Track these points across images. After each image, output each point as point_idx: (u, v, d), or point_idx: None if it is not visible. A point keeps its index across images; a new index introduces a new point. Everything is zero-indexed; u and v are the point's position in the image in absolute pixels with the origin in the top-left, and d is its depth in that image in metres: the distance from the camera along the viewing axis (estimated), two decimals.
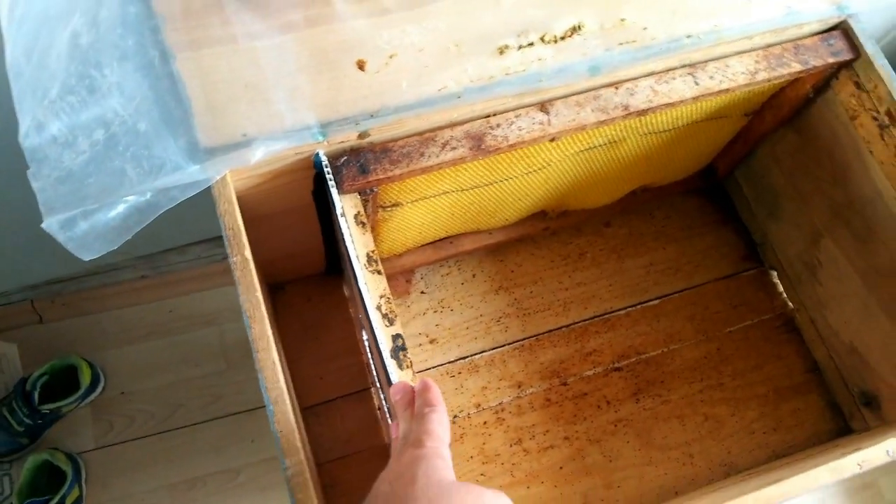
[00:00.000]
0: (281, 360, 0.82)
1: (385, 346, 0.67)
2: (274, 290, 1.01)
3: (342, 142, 0.71)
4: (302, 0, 0.59)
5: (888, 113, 0.81)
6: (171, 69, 0.58)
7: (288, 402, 0.63)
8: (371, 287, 0.69)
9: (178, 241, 1.21)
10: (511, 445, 0.97)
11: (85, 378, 1.21)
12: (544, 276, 1.06)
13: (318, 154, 0.70)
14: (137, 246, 1.19)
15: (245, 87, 0.63)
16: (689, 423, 1.00)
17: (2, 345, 1.25)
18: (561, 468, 0.96)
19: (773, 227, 1.06)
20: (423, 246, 1.01)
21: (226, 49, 0.60)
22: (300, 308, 1.00)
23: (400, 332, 0.68)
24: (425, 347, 1.01)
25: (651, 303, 1.06)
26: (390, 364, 0.66)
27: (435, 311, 1.03)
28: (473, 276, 1.05)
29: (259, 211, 0.79)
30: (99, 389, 1.25)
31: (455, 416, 0.97)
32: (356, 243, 0.70)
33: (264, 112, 0.65)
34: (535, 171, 0.88)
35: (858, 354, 0.97)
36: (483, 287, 1.05)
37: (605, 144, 0.88)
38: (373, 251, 0.70)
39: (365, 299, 0.68)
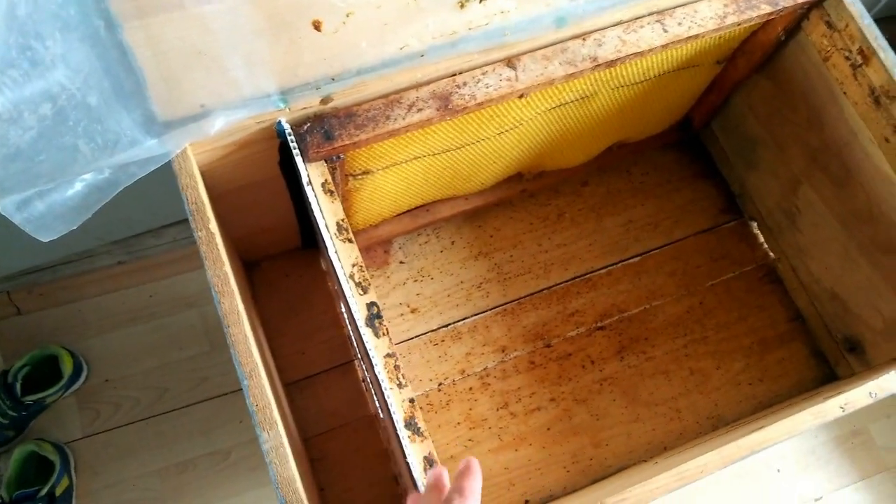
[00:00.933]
0: (259, 336, 0.81)
1: (360, 314, 0.66)
2: (250, 267, 1.00)
3: (305, 108, 0.69)
4: None
5: (860, 51, 0.80)
6: (118, 39, 0.56)
7: (263, 375, 0.62)
8: (343, 256, 0.68)
9: (151, 224, 1.19)
10: (497, 410, 0.96)
11: (67, 367, 1.19)
12: (523, 239, 1.05)
13: (280, 122, 0.69)
14: (111, 231, 1.17)
15: (198, 55, 0.61)
16: (675, 378, 1.00)
17: None
18: (548, 429, 0.96)
19: (751, 176, 1.05)
20: (399, 215, 1.00)
21: (174, 15, 0.57)
22: (278, 284, 0.99)
23: (375, 300, 0.67)
24: (407, 317, 1.00)
25: (632, 260, 1.05)
26: (366, 333, 0.65)
27: (415, 281, 1.02)
28: (452, 243, 1.04)
29: (226, 185, 0.78)
30: (82, 378, 1.23)
31: (440, 384, 0.97)
32: (325, 212, 0.69)
33: (221, 80, 0.63)
34: (506, 130, 0.86)
35: (840, 300, 0.96)
36: (462, 254, 1.04)
37: (577, 100, 0.87)
38: (342, 220, 0.69)
39: (336, 269, 0.66)
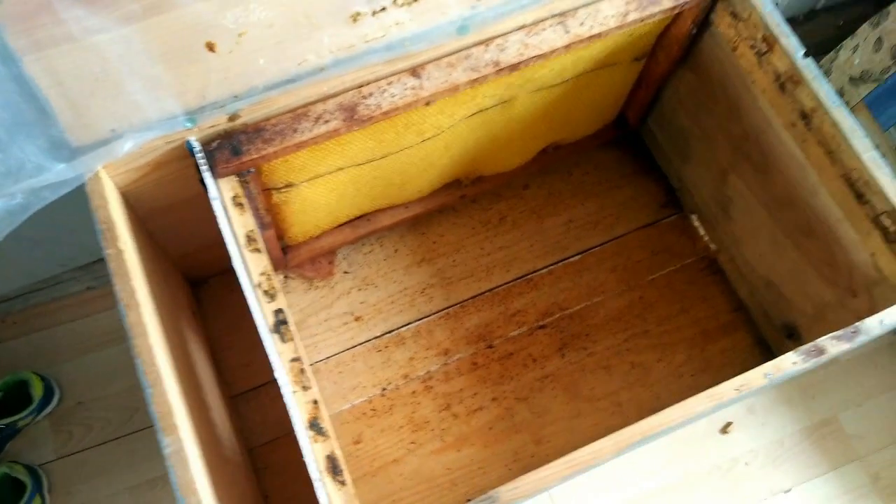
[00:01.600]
0: (195, 350, 0.84)
1: (267, 321, 0.68)
2: (196, 284, 1.03)
3: (213, 126, 0.72)
4: None
5: (764, 39, 0.82)
6: (15, 73, 0.59)
7: (169, 384, 0.65)
8: (252, 265, 0.70)
9: None
10: (440, 411, 0.98)
11: (37, 391, 1.23)
12: (466, 243, 1.07)
13: (188, 141, 0.72)
14: (73, 257, 1.21)
15: (98, 82, 0.64)
16: (616, 373, 1.01)
17: None
18: (490, 428, 0.98)
19: (687, 169, 1.06)
20: (339, 226, 1.02)
21: (68, 47, 0.60)
22: (224, 300, 1.02)
23: (282, 307, 0.69)
24: (351, 326, 1.02)
25: (572, 259, 1.07)
26: (271, 340, 0.68)
27: (359, 290, 1.04)
28: (396, 251, 1.07)
29: (152, 204, 0.81)
30: (54, 402, 1.27)
31: (383, 389, 0.99)
32: (234, 224, 0.72)
33: (123, 105, 0.66)
34: (429, 138, 0.89)
35: (775, 287, 0.97)
36: (406, 261, 1.06)
37: (497, 105, 0.89)
38: (252, 231, 0.72)
39: (242, 278, 0.69)
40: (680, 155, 1.07)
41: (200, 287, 1.03)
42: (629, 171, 1.13)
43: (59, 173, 0.66)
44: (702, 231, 1.09)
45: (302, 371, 0.66)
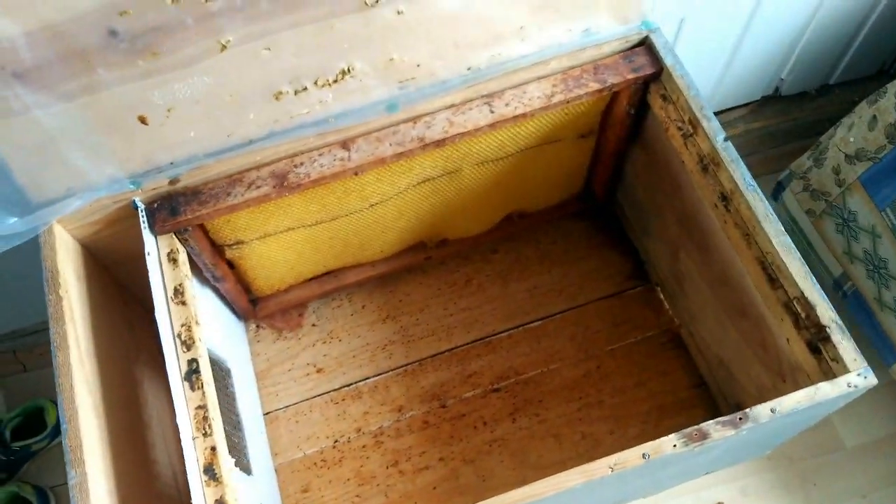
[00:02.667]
0: (138, 394, 0.91)
1: (180, 369, 0.74)
2: None
3: (155, 189, 0.80)
4: (71, 71, 0.69)
5: (690, 122, 0.83)
6: None
7: (85, 421, 0.72)
8: (175, 316, 0.77)
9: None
10: (388, 467, 1.01)
11: (51, 418, 1.34)
12: (431, 303, 1.11)
13: (133, 200, 0.80)
14: None
15: (42, 150, 0.73)
16: (566, 442, 1.01)
17: None
18: (434, 488, 0.99)
19: (649, 243, 1.07)
20: (306, 281, 1.08)
21: (14, 120, 0.70)
22: None
23: (196, 357, 0.75)
24: (312, 377, 1.07)
25: (533, 324, 1.09)
26: (181, 387, 0.74)
27: (324, 342, 1.09)
28: (363, 306, 1.12)
29: (114, 256, 0.90)
30: None
31: (336, 441, 1.03)
32: (166, 277, 0.79)
33: (68, 170, 0.76)
34: (377, 204, 0.94)
35: (725, 366, 0.96)
36: (371, 317, 1.11)
37: (443, 175, 0.94)
38: (180, 284, 0.79)
39: (162, 326, 0.76)
40: (642, 228, 1.07)
41: None
42: (597, 241, 1.14)
43: (11, 226, 0.76)
44: (667, 304, 1.08)
45: (205, 419, 0.72)
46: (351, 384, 1.06)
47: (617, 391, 1.03)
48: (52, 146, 0.73)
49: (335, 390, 1.06)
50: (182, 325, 0.77)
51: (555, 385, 1.04)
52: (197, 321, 0.78)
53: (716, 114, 1.37)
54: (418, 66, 0.79)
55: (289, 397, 1.06)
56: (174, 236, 0.81)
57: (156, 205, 0.80)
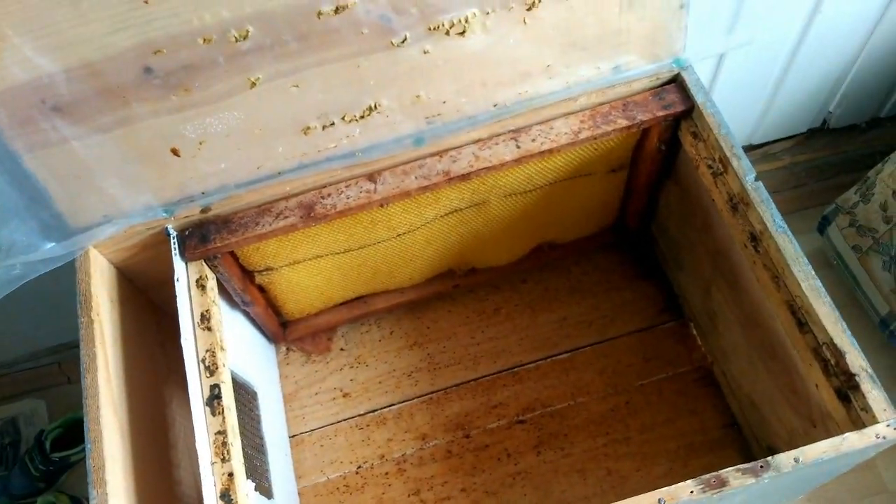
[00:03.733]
0: (165, 415, 0.93)
1: (202, 394, 0.76)
2: None
3: (188, 216, 0.83)
4: (107, 105, 0.72)
5: (720, 160, 0.82)
6: (9, 166, 0.72)
7: (109, 442, 0.74)
8: (201, 341, 0.79)
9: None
10: (409, 496, 1.01)
11: None
12: (458, 331, 1.11)
13: (166, 227, 0.83)
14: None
15: (79, 179, 0.76)
16: (591, 478, 1.00)
17: (32, 402, 1.45)
18: None
19: (681, 278, 1.05)
20: (336, 306, 1.10)
21: (54, 150, 0.73)
22: None
23: (218, 382, 0.77)
24: (338, 401, 1.08)
25: (561, 356, 1.08)
26: (203, 412, 0.75)
27: (351, 367, 1.10)
28: (391, 332, 1.12)
29: (149, 278, 0.92)
30: None
31: (359, 467, 1.04)
32: (194, 303, 0.81)
33: (104, 198, 0.78)
34: (404, 233, 0.95)
35: (756, 407, 0.93)
36: (399, 343, 1.11)
37: (471, 207, 0.94)
38: (207, 311, 0.81)
39: (187, 351, 0.78)
40: (675, 262, 1.06)
41: None
42: (630, 274, 1.12)
43: (48, 251, 0.79)
44: (699, 340, 1.06)
45: (224, 444, 0.73)
46: (376, 410, 1.07)
47: (645, 428, 1.02)
48: (89, 175, 0.76)
49: (360, 416, 1.07)
50: (207, 351, 0.78)
51: (581, 419, 1.03)
52: (222, 346, 0.79)
53: (761, 146, 1.35)
54: (444, 102, 0.80)
55: (315, 421, 1.07)
56: (204, 263, 0.84)
57: (187, 232, 0.83)
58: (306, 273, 0.97)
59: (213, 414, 0.75)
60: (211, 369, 0.77)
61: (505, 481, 1.01)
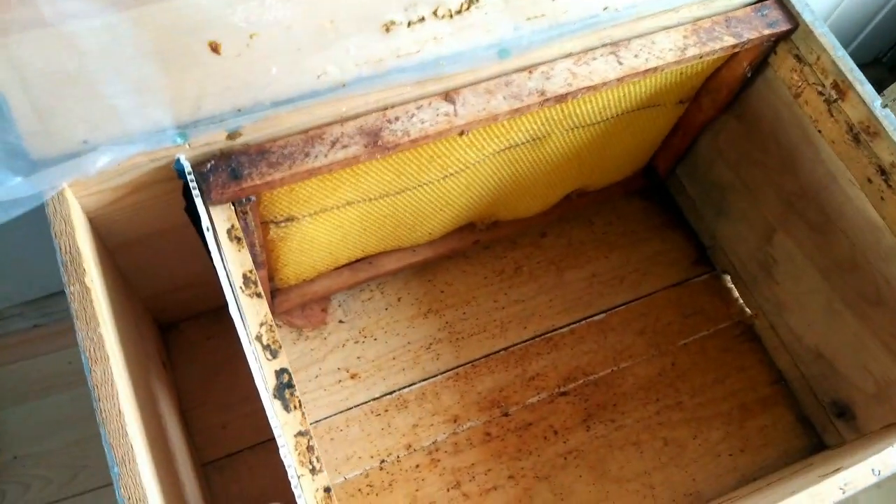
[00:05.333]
0: (166, 409, 0.70)
1: (267, 384, 0.55)
2: (167, 329, 0.89)
3: (208, 144, 0.60)
4: None
5: (835, 85, 0.73)
6: None
7: (142, 462, 0.51)
8: (249, 313, 0.57)
9: None
10: (448, 490, 0.85)
11: None
12: (478, 294, 0.96)
13: (178, 159, 0.59)
14: (21, 290, 1.06)
15: (70, 81, 0.51)
16: (648, 450, 0.89)
17: None
18: None
19: (723, 226, 0.97)
20: (337, 268, 0.90)
21: (36, 34, 0.49)
22: (198, 348, 0.88)
23: (286, 366, 0.56)
24: (346, 384, 0.89)
25: (596, 317, 0.96)
26: (273, 406, 0.55)
27: (356, 342, 0.91)
28: (399, 299, 0.94)
29: (125, 234, 0.68)
30: None
31: (382, 462, 0.85)
32: (229, 262, 0.59)
33: (101, 111, 0.54)
34: (451, 175, 0.78)
35: (826, 360, 0.87)
36: (410, 311, 0.94)
37: (528, 142, 0.79)
38: (250, 271, 0.59)
39: (239, 328, 0.56)
40: (714, 209, 0.97)
41: (170, 332, 0.89)
42: (655, 223, 1.03)
43: (13, 189, 0.53)
44: (736, 293, 0.99)
45: (310, 448, 0.53)
46: (393, 391, 0.89)
47: (696, 391, 0.93)
48: (85, 75, 0.52)
49: (375, 399, 0.88)
50: (261, 325, 0.57)
51: (628, 386, 0.92)
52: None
53: None
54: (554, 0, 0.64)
55: (319, 410, 0.87)
56: (231, 208, 0.61)
57: (209, 165, 0.60)
58: (327, 225, 0.76)
59: (288, 409, 0.55)
60: (272, 349, 0.56)
61: (556, 462, 0.87)
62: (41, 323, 1.14)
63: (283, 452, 0.52)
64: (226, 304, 0.56)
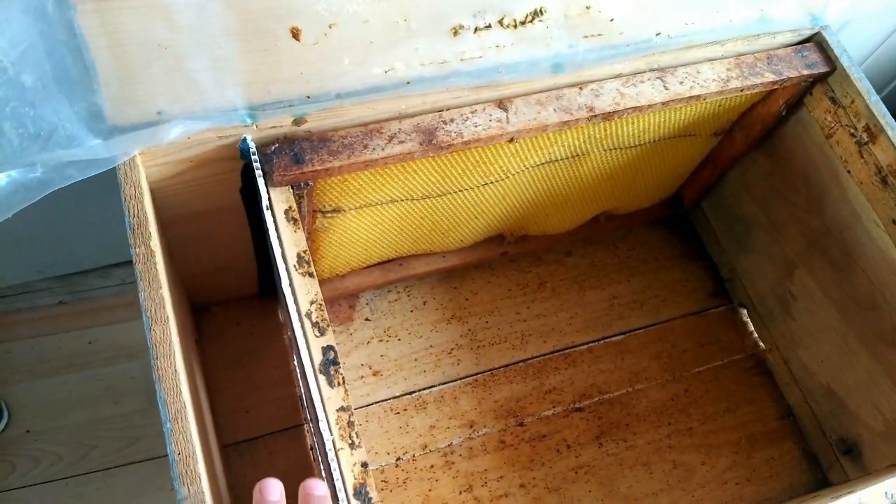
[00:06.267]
0: (197, 387, 0.72)
1: (313, 359, 0.57)
2: (199, 311, 0.91)
3: (274, 127, 0.63)
4: None
5: (866, 129, 0.76)
6: (68, 17, 0.50)
7: (192, 420, 0.53)
8: (301, 291, 0.60)
9: (99, 261, 1.10)
10: (460, 493, 0.86)
11: None
12: (501, 305, 0.98)
13: (245, 139, 0.62)
14: (53, 264, 1.08)
15: (160, 51, 0.54)
16: (657, 472, 0.91)
17: None
18: None
19: (744, 259, 0.99)
20: (369, 267, 0.92)
21: (135, 2, 0.52)
22: (227, 333, 0.90)
23: (332, 344, 0.58)
24: (367, 381, 0.91)
25: (614, 338, 0.98)
26: (318, 381, 0.57)
27: (380, 341, 0.93)
28: (424, 303, 0.96)
29: (178, 209, 0.70)
30: (1, 426, 1.11)
31: (398, 459, 0.87)
32: (285, 241, 0.61)
33: (183, 83, 0.57)
34: (491, 182, 0.80)
35: (836, 397, 0.89)
36: (434, 315, 0.96)
37: (568, 158, 0.82)
38: (305, 251, 0.61)
39: (289, 304, 0.58)
40: (736, 242, 1.00)
41: (202, 314, 0.91)
42: (676, 252, 1.05)
43: (92, 150, 0.56)
44: (751, 327, 1.01)
45: (350, 424, 0.55)
46: (413, 392, 0.91)
47: (707, 418, 0.95)
48: (173, 48, 0.55)
49: (395, 398, 0.90)
50: (311, 303, 0.59)
51: (642, 408, 0.94)
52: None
53: None
54: (612, 20, 0.67)
55: None
56: (290, 190, 0.64)
57: (273, 148, 0.63)
58: (370, 220, 0.79)
59: (332, 385, 0.57)
60: (321, 327, 0.59)
61: (567, 476, 0.89)
62: (66, 301, 1.16)
63: (322, 427, 0.54)
64: (277, 286, 0.58)
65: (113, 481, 1.11)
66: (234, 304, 0.91)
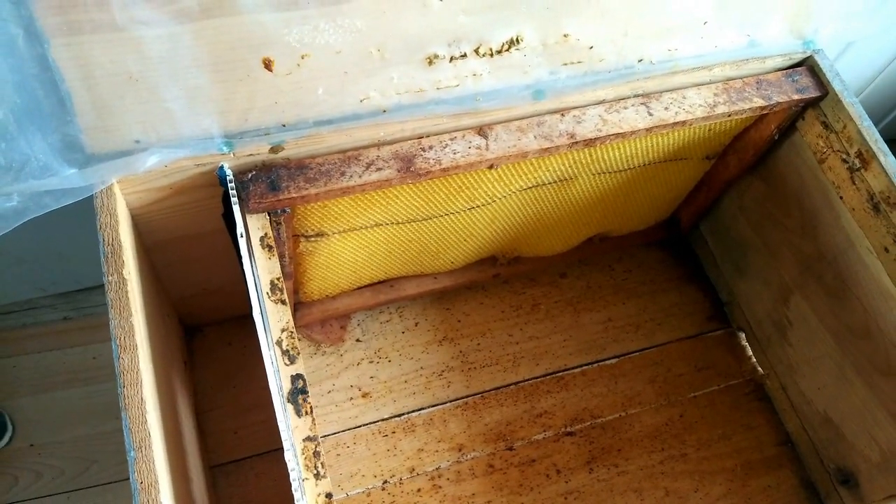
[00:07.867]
0: (183, 408, 0.73)
1: (282, 387, 0.58)
2: (191, 332, 0.92)
3: (251, 155, 0.63)
4: None
5: (859, 154, 0.75)
6: (39, 52, 0.51)
7: (157, 450, 0.53)
8: (273, 318, 0.60)
9: (101, 279, 1.11)
10: None
11: None
12: (493, 327, 0.97)
13: (222, 167, 0.63)
14: (56, 282, 1.10)
15: (132, 83, 0.55)
16: (648, 498, 0.89)
17: None
18: None
19: (741, 283, 0.98)
20: (359, 288, 0.92)
21: (107, 37, 0.52)
22: (218, 352, 0.91)
23: (302, 372, 0.58)
24: (357, 402, 0.91)
25: (608, 361, 0.97)
26: (285, 410, 0.57)
27: (371, 362, 0.93)
28: (416, 324, 0.96)
29: (163, 234, 0.71)
30: (5, 439, 1.13)
31: (385, 482, 0.87)
32: (259, 268, 0.62)
33: (157, 114, 0.58)
34: (477, 206, 0.80)
35: (833, 425, 0.87)
36: (426, 337, 0.96)
37: (555, 182, 0.81)
38: (278, 278, 0.62)
39: (260, 331, 0.58)
40: (733, 266, 0.99)
41: (194, 335, 0.92)
42: (674, 275, 1.04)
43: (67, 179, 0.57)
44: (749, 351, 1.00)
45: (316, 454, 0.55)
46: (402, 414, 0.91)
47: (702, 444, 0.93)
48: (146, 79, 0.56)
49: (384, 420, 0.90)
50: (283, 331, 0.60)
51: (634, 433, 0.93)
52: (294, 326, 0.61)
53: None
54: (591, 48, 0.67)
55: (329, 425, 0.89)
56: (267, 217, 0.64)
57: (250, 175, 0.63)
58: (355, 244, 0.79)
59: (299, 414, 0.57)
60: (291, 355, 0.59)
61: (556, 501, 0.88)
62: (70, 316, 1.18)
63: (287, 456, 0.54)
64: (250, 312, 0.59)
65: (113, 496, 1.12)
66: (225, 324, 0.92)
